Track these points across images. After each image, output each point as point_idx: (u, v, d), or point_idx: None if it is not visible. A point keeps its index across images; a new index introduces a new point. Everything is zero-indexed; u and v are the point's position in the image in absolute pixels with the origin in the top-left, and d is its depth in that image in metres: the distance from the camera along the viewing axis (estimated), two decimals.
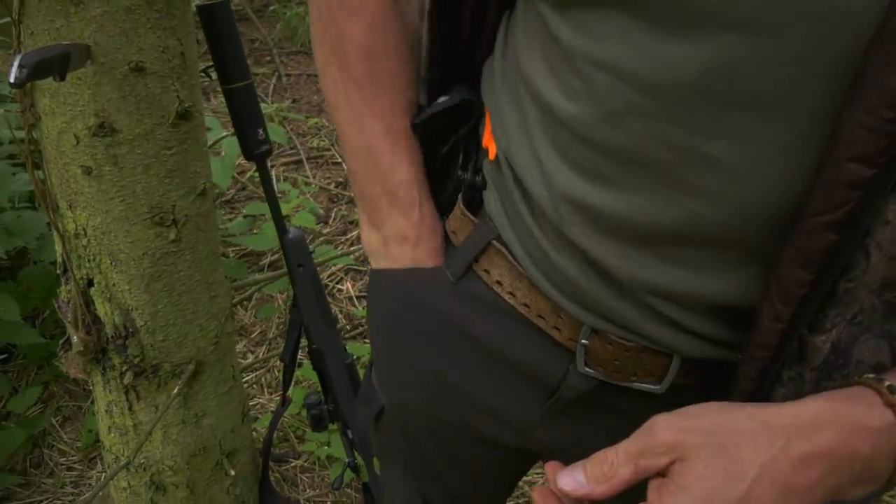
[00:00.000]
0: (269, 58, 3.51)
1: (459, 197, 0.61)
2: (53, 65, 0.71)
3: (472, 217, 0.59)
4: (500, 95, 0.55)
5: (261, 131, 1.11)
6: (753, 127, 0.40)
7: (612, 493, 0.42)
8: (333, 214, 2.55)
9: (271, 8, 3.80)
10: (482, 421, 0.64)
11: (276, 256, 2.28)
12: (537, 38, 0.49)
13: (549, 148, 0.49)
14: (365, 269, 2.27)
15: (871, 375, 0.42)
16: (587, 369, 0.55)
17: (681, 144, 0.42)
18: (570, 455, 0.49)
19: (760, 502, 0.39)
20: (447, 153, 0.62)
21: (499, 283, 0.57)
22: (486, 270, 0.58)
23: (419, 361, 0.64)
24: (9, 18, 1.89)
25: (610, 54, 0.43)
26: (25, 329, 1.63)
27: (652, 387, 0.54)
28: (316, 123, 3.07)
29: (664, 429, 0.42)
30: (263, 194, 2.58)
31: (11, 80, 0.63)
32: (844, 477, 0.40)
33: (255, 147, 1.10)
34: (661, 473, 0.41)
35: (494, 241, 0.57)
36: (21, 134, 0.95)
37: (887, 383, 0.41)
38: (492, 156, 0.56)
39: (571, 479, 0.43)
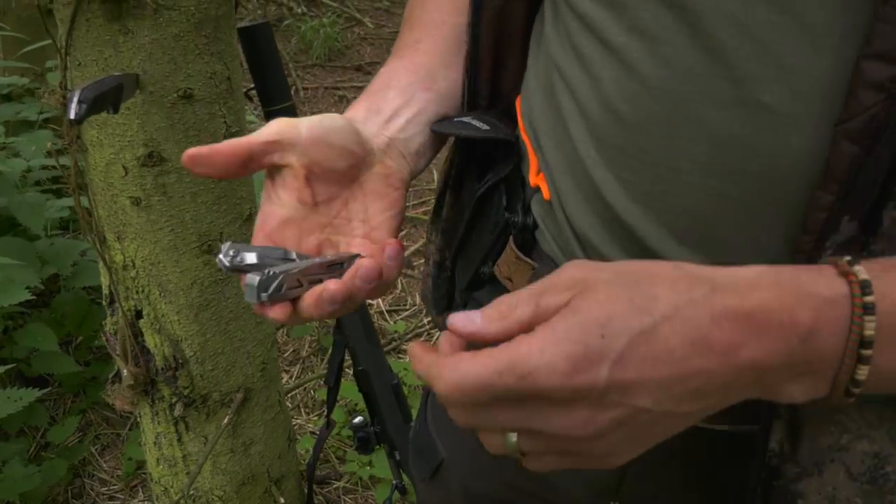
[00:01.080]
0: (285, 72, 3.50)
1: (510, 241, 0.57)
2: (108, 97, 0.69)
3: (528, 260, 0.55)
4: (532, 99, 0.53)
5: None
6: (799, 59, 0.37)
7: (505, 334, 0.35)
8: None
9: (286, 22, 3.80)
10: (560, 479, 0.59)
11: None
12: (563, 28, 0.48)
13: (587, 141, 0.46)
14: (397, 283, 2.24)
15: (838, 257, 0.36)
16: None
17: (731, 99, 0.38)
18: None
19: (667, 345, 0.32)
20: (484, 194, 0.58)
21: None
22: None
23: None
24: (37, 44, 1.86)
25: (643, 18, 0.41)
26: (62, 358, 1.61)
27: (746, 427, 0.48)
28: None
29: (573, 267, 0.36)
30: None
31: (72, 116, 0.61)
32: (778, 354, 0.33)
33: None
34: None
35: None
36: (51, 161, 0.93)
37: (848, 258, 0.35)
38: (546, 196, 0.52)
39: (465, 316, 0.36)
